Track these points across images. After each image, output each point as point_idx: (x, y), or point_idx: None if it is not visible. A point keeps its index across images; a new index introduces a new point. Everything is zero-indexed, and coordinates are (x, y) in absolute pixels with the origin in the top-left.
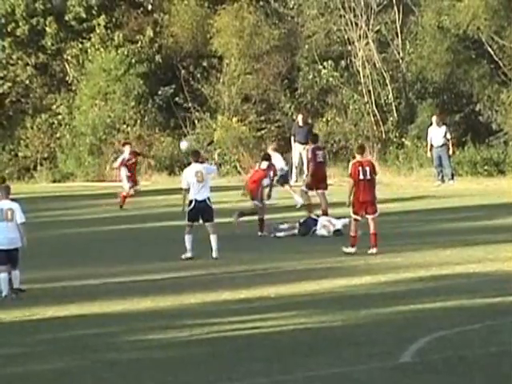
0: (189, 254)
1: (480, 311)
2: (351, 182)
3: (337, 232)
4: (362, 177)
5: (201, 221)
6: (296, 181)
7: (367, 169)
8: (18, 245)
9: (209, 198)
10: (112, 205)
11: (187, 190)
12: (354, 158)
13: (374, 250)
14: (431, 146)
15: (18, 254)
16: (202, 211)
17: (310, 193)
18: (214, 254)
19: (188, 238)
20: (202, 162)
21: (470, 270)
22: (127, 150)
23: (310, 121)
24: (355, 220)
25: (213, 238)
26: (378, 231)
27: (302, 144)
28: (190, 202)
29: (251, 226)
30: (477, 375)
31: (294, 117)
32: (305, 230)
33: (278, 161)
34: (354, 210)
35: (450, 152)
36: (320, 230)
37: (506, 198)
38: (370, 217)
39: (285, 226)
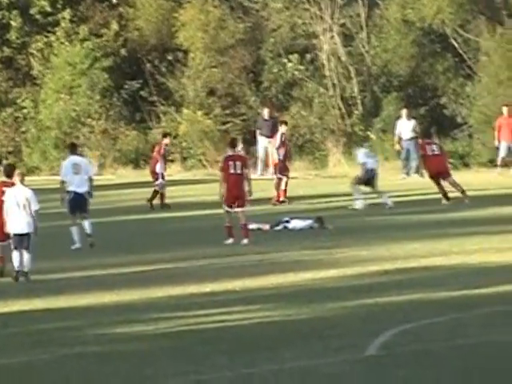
0: (77, 245)
1: (445, 304)
2: (222, 175)
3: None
4: (232, 171)
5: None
6: (261, 174)
7: (238, 163)
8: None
9: (88, 192)
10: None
11: (64, 182)
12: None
13: (245, 241)
14: (399, 138)
15: (30, 238)
16: (79, 203)
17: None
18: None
19: (74, 230)
20: (81, 155)
21: (436, 263)
22: (167, 141)
23: (275, 114)
24: (227, 212)
25: (87, 223)
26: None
27: (268, 137)
28: (69, 193)
29: (218, 219)
30: (442, 368)
31: (259, 110)
32: (276, 222)
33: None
34: (225, 203)
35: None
36: (291, 224)
37: (471, 191)
38: (239, 210)
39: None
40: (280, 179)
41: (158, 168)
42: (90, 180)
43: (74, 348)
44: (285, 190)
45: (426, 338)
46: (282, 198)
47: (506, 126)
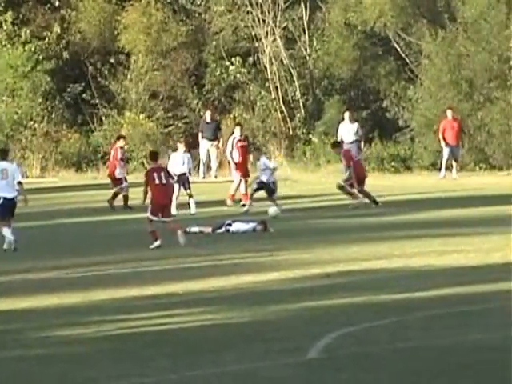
0: (11, 238)
1: (387, 307)
2: (146, 186)
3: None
4: (157, 182)
5: None
6: (203, 177)
7: (162, 174)
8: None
9: (16, 196)
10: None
11: None
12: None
13: (179, 232)
14: (341, 141)
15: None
16: (10, 208)
17: None
18: (6, 246)
19: (5, 231)
20: (8, 160)
21: (377, 266)
22: (121, 144)
23: (217, 117)
24: (151, 221)
25: (7, 231)
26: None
27: (210, 140)
28: None
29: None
30: (383, 371)
31: (202, 113)
32: (218, 225)
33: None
34: (151, 212)
35: (362, 148)
36: (233, 227)
37: (413, 194)
38: (165, 219)
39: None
40: (240, 181)
41: (118, 173)
42: (20, 184)
43: (15, 351)
44: (246, 193)
45: (367, 341)
46: (243, 202)
47: (449, 129)
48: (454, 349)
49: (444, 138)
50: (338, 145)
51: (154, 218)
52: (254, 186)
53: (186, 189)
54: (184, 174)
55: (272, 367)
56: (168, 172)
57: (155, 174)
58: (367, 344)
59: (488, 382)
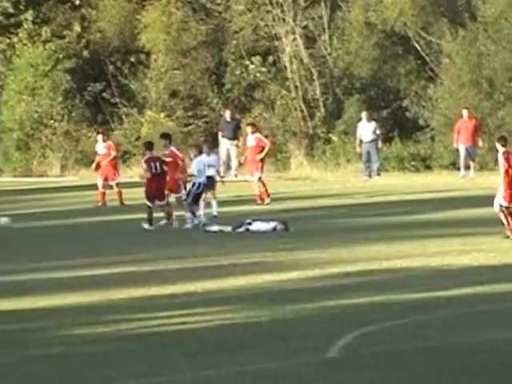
0: None
1: (407, 306)
2: (148, 175)
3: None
4: (154, 171)
5: None
6: (223, 176)
7: (157, 164)
8: None
9: None
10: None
11: None
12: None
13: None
14: (360, 141)
15: None
16: None
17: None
18: None
19: None
20: None
21: (397, 265)
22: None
23: (237, 116)
24: (149, 207)
25: None
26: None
27: (230, 139)
28: None
29: (178, 221)
30: (403, 371)
31: (222, 112)
32: (238, 224)
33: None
34: (147, 199)
35: (379, 147)
36: (253, 226)
37: (433, 194)
38: (159, 203)
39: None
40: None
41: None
42: None
43: (35, 349)
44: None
45: (387, 341)
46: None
47: (464, 129)
48: (474, 348)
49: (457, 139)
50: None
51: (150, 204)
52: (194, 191)
53: (211, 189)
54: (211, 177)
55: (291, 366)
56: (162, 161)
57: (152, 164)
58: (387, 343)
59: (507, 381)
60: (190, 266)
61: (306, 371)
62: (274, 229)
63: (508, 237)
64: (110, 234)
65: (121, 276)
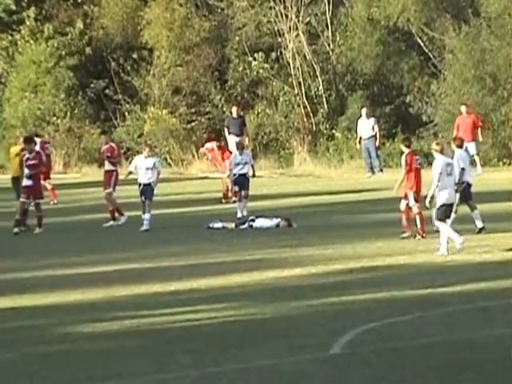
0: None
1: (410, 303)
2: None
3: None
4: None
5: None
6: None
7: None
8: None
9: None
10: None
11: None
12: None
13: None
14: (360, 138)
15: None
16: None
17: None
18: None
19: None
20: None
21: (401, 261)
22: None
23: (241, 113)
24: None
25: None
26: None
27: (237, 136)
28: None
29: (180, 218)
30: (407, 367)
31: (225, 109)
32: (241, 221)
33: None
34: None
35: (377, 144)
36: (256, 222)
37: None
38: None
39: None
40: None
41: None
42: None
43: (39, 346)
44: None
45: (390, 337)
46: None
47: (462, 125)
48: (478, 344)
49: (457, 135)
50: None
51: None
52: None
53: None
54: (244, 174)
55: (295, 363)
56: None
57: None
58: (390, 339)
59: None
60: (193, 262)
61: (310, 367)
62: (278, 225)
63: (405, 238)
64: (112, 231)
65: (124, 273)
